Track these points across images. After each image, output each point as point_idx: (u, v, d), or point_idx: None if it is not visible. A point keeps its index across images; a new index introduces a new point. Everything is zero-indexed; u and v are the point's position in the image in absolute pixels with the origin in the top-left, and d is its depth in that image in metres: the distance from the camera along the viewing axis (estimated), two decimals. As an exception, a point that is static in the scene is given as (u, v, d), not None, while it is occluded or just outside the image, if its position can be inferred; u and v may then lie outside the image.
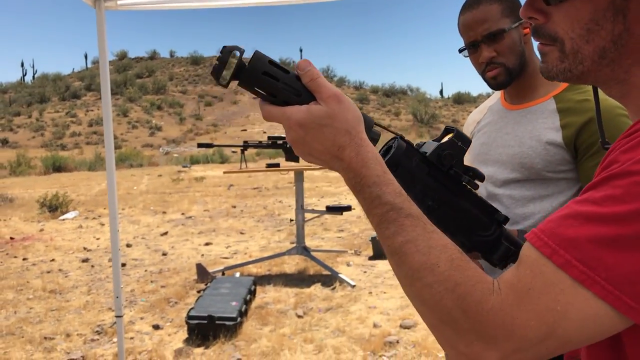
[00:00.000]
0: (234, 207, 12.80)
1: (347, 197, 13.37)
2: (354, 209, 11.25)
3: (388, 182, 0.76)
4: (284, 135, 6.51)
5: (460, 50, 1.61)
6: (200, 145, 6.53)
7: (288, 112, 0.78)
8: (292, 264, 6.95)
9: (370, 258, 7.10)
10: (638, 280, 0.59)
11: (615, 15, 0.72)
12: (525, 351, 0.63)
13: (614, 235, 0.59)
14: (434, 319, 0.68)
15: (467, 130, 1.96)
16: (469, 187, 0.92)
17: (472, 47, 1.57)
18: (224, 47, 0.76)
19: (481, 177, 0.92)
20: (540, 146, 1.50)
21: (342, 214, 6.27)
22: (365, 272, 6.48)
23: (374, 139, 0.85)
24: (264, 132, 54.50)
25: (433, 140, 0.95)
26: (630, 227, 0.59)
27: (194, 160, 31.86)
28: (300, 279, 6.33)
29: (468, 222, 0.92)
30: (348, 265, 6.83)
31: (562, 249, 0.61)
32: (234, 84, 0.83)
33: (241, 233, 9.64)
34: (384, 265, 6.73)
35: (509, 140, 1.60)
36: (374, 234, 7.27)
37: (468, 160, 2.05)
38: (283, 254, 6.75)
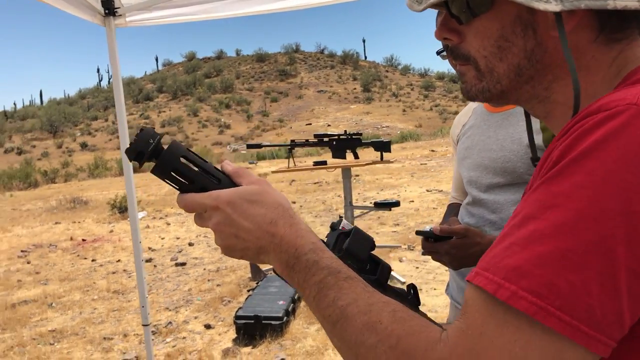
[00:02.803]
0: (294, 202, 12.92)
1: (407, 189, 13.22)
2: (411, 201, 11.10)
3: (323, 249, 0.73)
4: (330, 133, 6.48)
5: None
6: (249, 146, 6.62)
7: (214, 193, 0.75)
8: (345, 261, 6.95)
9: (424, 253, 6.98)
10: (596, 304, 0.51)
11: (524, 30, 0.69)
12: None
13: (561, 252, 0.52)
14: None
15: (454, 132, 1.91)
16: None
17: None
18: (141, 129, 0.76)
19: (380, 288, 0.86)
20: (521, 149, 1.45)
21: (390, 209, 6.20)
22: (417, 267, 6.39)
23: None
24: (329, 125, 54.75)
25: (339, 232, 0.88)
26: (577, 237, 0.52)
27: (261, 157, 32.41)
28: (351, 276, 6.31)
29: None
30: (400, 260, 6.76)
31: (507, 281, 0.53)
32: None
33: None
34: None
35: (490, 144, 1.56)
36: (428, 227, 7.15)
37: (455, 164, 1.98)
38: (335, 250, 6.76)
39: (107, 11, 2.42)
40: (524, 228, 0.55)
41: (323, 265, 0.69)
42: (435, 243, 1.49)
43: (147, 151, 0.74)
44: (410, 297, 0.84)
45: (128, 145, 0.76)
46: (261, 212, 0.74)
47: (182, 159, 0.76)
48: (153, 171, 0.76)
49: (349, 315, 0.64)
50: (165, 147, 0.77)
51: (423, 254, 1.58)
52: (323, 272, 0.69)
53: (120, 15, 2.49)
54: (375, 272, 0.83)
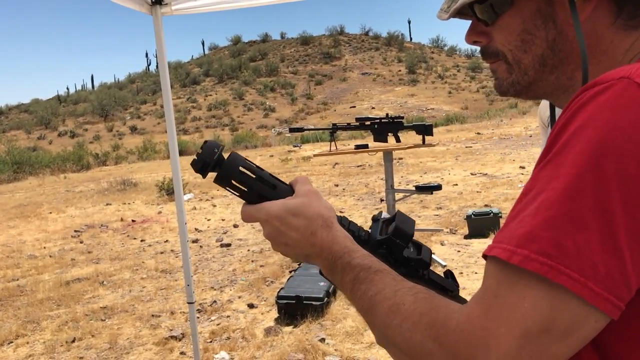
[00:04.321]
0: (337, 185, 12.99)
1: (451, 173, 13.08)
2: (454, 184, 10.98)
3: (357, 250, 0.79)
4: (372, 116, 6.49)
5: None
6: (292, 130, 6.71)
7: (266, 207, 0.84)
8: (386, 244, 6.97)
9: (466, 237, 6.96)
10: (599, 261, 0.54)
11: (545, 22, 0.74)
12: None
13: (565, 214, 0.55)
14: None
15: (543, 115, 1.89)
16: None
17: None
18: (205, 141, 0.85)
19: (424, 267, 0.86)
20: None
21: (432, 193, 6.19)
22: (459, 251, 6.38)
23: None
24: (373, 108, 54.38)
25: (383, 220, 0.91)
26: (578, 200, 0.55)
27: (305, 139, 32.50)
28: (392, 259, 6.34)
29: None
30: (442, 244, 6.75)
31: (520, 247, 0.57)
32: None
33: (340, 212, 9.77)
34: (479, 244, 6.57)
35: None
36: (470, 211, 7.12)
37: (543, 147, 1.96)
38: (376, 233, 6.78)
39: (153, 0, 2.51)
40: (535, 202, 0.59)
41: (355, 264, 0.77)
42: None
43: (211, 161, 0.83)
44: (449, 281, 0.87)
45: (195, 157, 0.84)
46: (303, 223, 0.82)
47: (241, 168, 0.84)
48: (216, 180, 0.85)
49: (377, 302, 0.70)
50: (226, 157, 0.85)
51: None
52: (355, 270, 0.76)
53: (167, 3, 2.58)
54: (419, 252, 0.87)
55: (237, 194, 0.86)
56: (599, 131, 0.56)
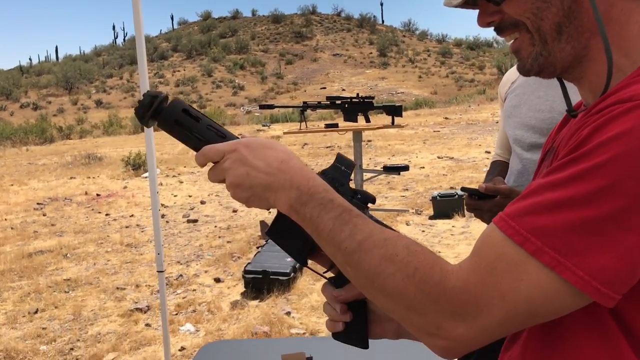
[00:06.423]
0: (306, 165, 13.01)
1: (418, 156, 13.24)
2: (421, 167, 11.12)
3: (335, 191, 0.78)
4: (343, 96, 6.49)
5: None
6: (261, 107, 6.67)
7: (234, 140, 0.82)
8: (353, 223, 7.06)
9: (431, 217, 7.09)
10: (608, 265, 0.59)
11: None
12: (493, 329, 0.65)
13: (583, 219, 0.60)
14: (401, 308, 0.69)
15: (502, 90, 1.93)
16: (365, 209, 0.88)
17: None
18: (148, 91, 0.83)
19: (371, 200, 0.89)
20: None
21: (399, 174, 6.26)
22: (423, 231, 6.50)
23: None
24: (343, 90, 54.33)
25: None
26: (597, 208, 0.59)
27: (274, 119, 32.35)
28: (359, 237, 6.43)
29: None
30: (407, 224, 6.87)
31: (534, 237, 0.62)
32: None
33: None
34: (443, 224, 6.72)
35: (539, 104, 1.61)
36: (436, 193, 7.25)
37: (501, 121, 2.02)
38: (343, 212, 6.85)
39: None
40: (552, 192, 0.63)
41: (337, 203, 0.75)
42: (479, 200, 1.53)
43: (151, 108, 0.82)
44: None
45: (136, 106, 0.83)
46: (274, 154, 0.79)
47: (184, 112, 0.83)
48: (159, 124, 0.84)
49: (366, 248, 0.71)
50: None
51: (467, 210, 1.61)
52: (338, 209, 0.75)
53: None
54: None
55: (182, 140, 0.84)
56: (628, 147, 0.59)
